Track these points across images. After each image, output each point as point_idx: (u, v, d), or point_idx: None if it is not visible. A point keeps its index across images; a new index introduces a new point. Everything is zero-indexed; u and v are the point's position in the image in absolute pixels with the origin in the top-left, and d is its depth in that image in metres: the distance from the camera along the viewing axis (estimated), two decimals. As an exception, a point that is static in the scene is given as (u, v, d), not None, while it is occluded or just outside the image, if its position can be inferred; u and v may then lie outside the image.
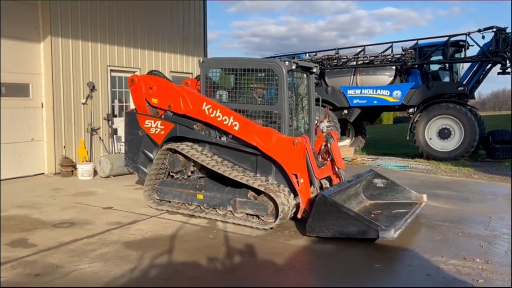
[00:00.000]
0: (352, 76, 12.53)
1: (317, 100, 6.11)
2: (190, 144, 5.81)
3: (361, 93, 12.12)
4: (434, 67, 12.24)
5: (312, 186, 5.06)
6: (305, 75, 6.02)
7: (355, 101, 12.20)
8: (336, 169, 5.81)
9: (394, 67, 12.05)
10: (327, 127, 6.01)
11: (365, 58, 12.19)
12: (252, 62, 5.49)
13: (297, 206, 5.06)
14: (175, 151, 5.84)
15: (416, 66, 11.89)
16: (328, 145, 5.80)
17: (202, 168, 5.83)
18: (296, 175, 4.97)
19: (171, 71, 10.72)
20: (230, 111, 5.39)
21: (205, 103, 5.52)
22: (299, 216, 4.93)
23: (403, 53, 11.69)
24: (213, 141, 5.66)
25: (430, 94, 11.49)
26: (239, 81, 5.53)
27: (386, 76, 12.17)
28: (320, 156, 5.81)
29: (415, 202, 5.66)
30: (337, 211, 4.42)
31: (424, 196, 5.75)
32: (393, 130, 21.66)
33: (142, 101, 6.07)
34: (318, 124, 6.01)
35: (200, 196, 5.52)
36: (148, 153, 6.15)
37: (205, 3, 11.69)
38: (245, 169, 5.47)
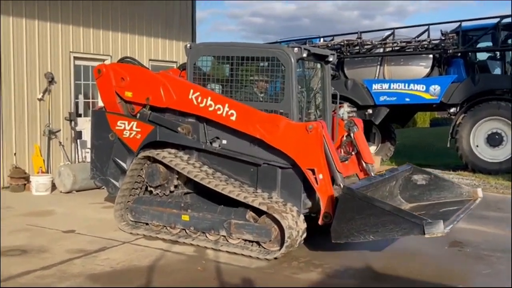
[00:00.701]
0: (378, 66, 12.51)
1: (333, 96, 6.11)
2: (173, 151, 5.82)
3: (389, 88, 12.10)
4: (482, 56, 12.21)
5: (334, 184, 5.09)
6: (319, 65, 6.03)
7: (382, 98, 12.18)
8: (364, 164, 5.80)
9: (431, 56, 12.00)
10: (348, 112, 6.07)
11: (395, 44, 12.17)
12: (252, 49, 5.51)
13: (317, 213, 5.10)
14: (154, 160, 5.82)
15: (459, 54, 11.85)
16: (351, 134, 5.78)
17: (189, 182, 5.81)
18: (312, 171, 5.00)
19: (150, 60, 10.75)
20: (224, 98, 5.43)
21: (192, 91, 5.56)
22: (320, 222, 4.97)
23: (443, 38, 11.64)
24: (203, 148, 5.68)
25: (476, 90, 11.43)
26: (235, 72, 5.55)
27: (421, 67, 12.12)
28: (342, 150, 5.82)
29: (468, 198, 5.66)
30: (368, 207, 4.43)
31: (479, 191, 5.76)
32: (429, 134, 21.62)
33: (112, 96, 6.09)
34: (335, 110, 6.03)
35: (185, 217, 5.54)
36: (121, 162, 6.17)
37: (193, -26, 11.86)
38: (242, 183, 5.48)
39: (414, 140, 19.54)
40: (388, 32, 12.58)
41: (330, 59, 5.98)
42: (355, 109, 5.93)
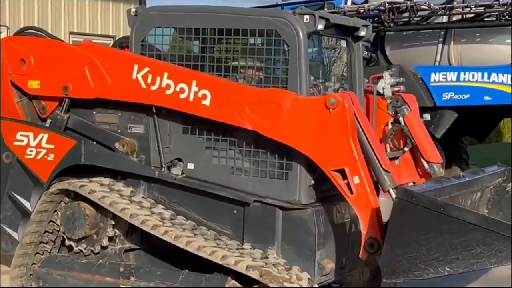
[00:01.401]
0: (440, 45, 12.56)
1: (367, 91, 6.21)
2: (107, 181, 5.87)
3: (458, 79, 12.14)
4: None
5: (380, 193, 5.16)
6: (344, 43, 6.13)
7: (446, 96, 12.20)
8: (425, 165, 5.89)
9: None
10: (392, 85, 6.08)
11: (467, 10, 12.24)
12: (238, 17, 5.61)
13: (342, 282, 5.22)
14: (76, 196, 5.87)
15: None
16: (401, 120, 5.89)
17: (132, 232, 5.90)
18: (342, 172, 5.10)
19: (71, 33, 10.89)
20: (189, 73, 5.56)
21: (137, 66, 5.67)
22: (362, 255, 5.09)
23: None
24: (156, 176, 5.74)
25: None
26: (209, 54, 5.67)
27: (508, 47, 12.20)
28: (387, 145, 5.90)
29: None
30: (441, 219, 4.43)
31: None
32: (524, 155, 21.71)
33: (7, 90, 6.14)
34: (370, 86, 6.12)
35: (126, 289, 5.58)
36: (21, 199, 6.17)
37: None
38: (220, 233, 5.56)
39: (499, 162, 19.63)
40: (456, -9, 12.76)
41: (362, 33, 6.04)
42: (401, 79, 5.78)
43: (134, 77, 5.66)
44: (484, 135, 14.80)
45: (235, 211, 5.51)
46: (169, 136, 5.74)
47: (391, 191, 5.10)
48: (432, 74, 12.27)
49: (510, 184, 5.96)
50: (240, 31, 5.53)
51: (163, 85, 5.56)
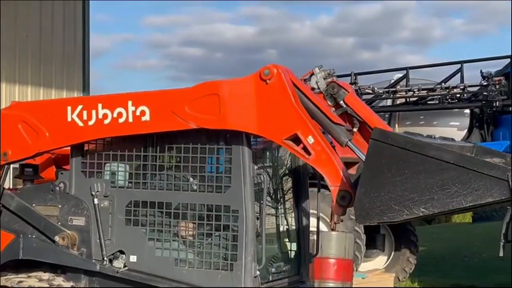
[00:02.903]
0: (385, 127, 12.87)
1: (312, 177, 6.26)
2: (47, 276, 5.79)
3: (404, 162, 12.34)
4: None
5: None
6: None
7: (393, 179, 12.36)
8: None
9: (468, 111, 12.44)
10: (325, 77, 6.17)
11: (411, 93, 12.54)
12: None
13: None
14: (14, 293, 5.79)
15: (512, 108, 12.25)
16: (342, 103, 5.98)
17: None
18: (295, 140, 5.16)
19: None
20: (122, 96, 5.67)
21: (70, 108, 5.74)
22: (337, 212, 5.15)
23: (485, 83, 12.02)
24: (97, 269, 5.69)
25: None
26: (152, 146, 5.69)
27: (452, 129, 12.38)
28: None
29: None
30: (418, 159, 4.47)
31: None
32: (472, 236, 21.86)
33: None
34: (308, 84, 6.15)
35: None
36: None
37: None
38: None
39: (448, 245, 19.67)
40: (400, 74, 12.98)
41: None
42: (332, 70, 5.93)
43: (69, 119, 5.74)
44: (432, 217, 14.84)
45: None
46: (111, 228, 5.72)
47: (350, 144, 5.23)
48: (378, 157, 12.40)
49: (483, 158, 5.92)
50: None
51: (100, 116, 5.64)
